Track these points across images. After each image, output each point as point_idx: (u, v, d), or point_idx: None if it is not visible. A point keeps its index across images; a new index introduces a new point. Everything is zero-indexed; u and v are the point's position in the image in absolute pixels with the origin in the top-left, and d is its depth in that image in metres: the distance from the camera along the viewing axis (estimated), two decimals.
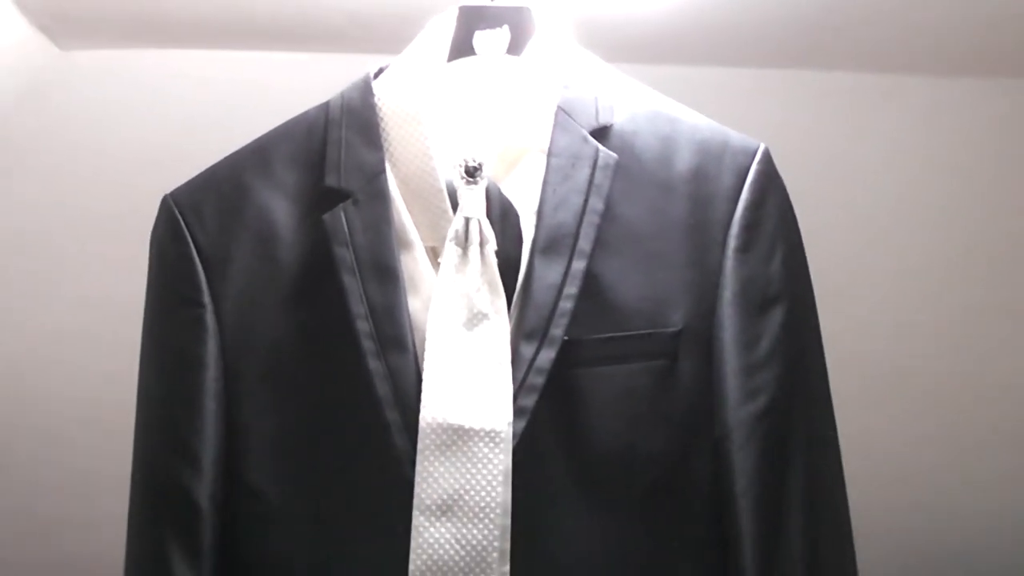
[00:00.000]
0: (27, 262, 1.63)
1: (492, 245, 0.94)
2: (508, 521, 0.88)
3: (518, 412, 0.90)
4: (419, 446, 0.88)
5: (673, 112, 1.02)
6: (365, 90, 1.00)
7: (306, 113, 1.01)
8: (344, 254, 0.93)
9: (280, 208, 0.97)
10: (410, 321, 0.92)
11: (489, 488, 0.88)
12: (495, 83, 1.03)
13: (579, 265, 0.92)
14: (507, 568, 0.88)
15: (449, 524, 0.88)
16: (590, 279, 0.93)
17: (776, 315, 0.96)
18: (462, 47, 1.03)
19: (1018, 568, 1.73)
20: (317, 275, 0.95)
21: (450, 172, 0.96)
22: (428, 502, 0.88)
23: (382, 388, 0.90)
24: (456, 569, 0.88)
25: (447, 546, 0.88)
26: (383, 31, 1.23)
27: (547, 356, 0.91)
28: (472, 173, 0.95)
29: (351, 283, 0.92)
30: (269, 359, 0.95)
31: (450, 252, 0.93)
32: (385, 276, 0.93)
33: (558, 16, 1.06)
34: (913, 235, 1.71)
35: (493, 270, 0.93)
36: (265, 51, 1.57)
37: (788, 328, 0.96)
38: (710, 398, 0.95)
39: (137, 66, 1.57)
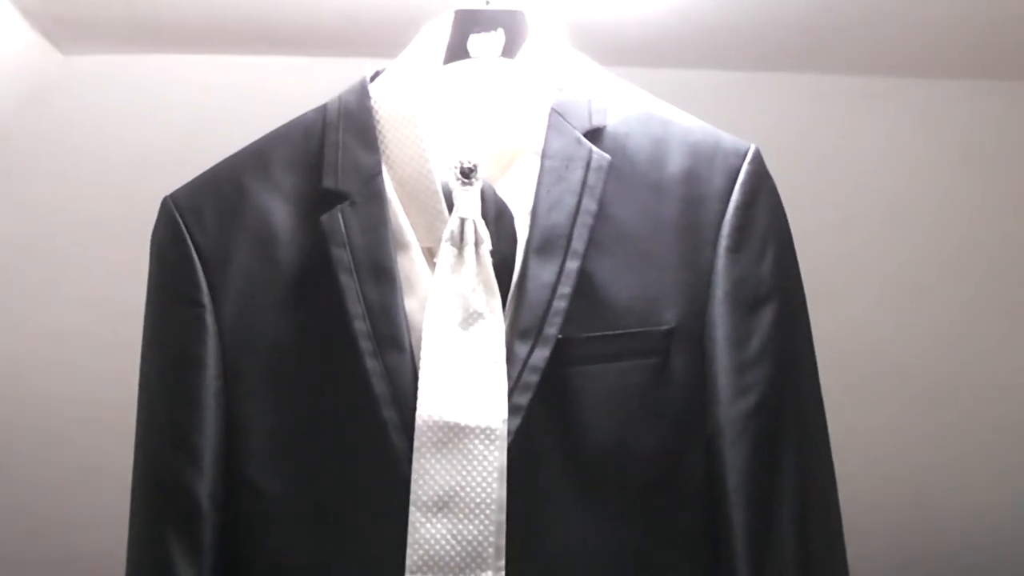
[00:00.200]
0: (30, 264, 1.64)
1: (487, 245, 0.95)
2: (503, 517, 0.89)
3: (513, 410, 0.91)
4: (415, 443, 0.89)
5: (665, 114, 1.03)
6: (362, 93, 1.01)
7: (304, 116, 1.02)
8: (342, 255, 0.94)
9: (278, 210, 0.98)
10: (407, 321, 0.93)
11: (485, 485, 0.89)
12: (490, 86, 1.04)
13: (573, 265, 0.93)
14: (502, 563, 0.89)
15: (445, 520, 0.89)
16: (584, 278, 0.94)
17: (767, 314, 0.97)
18: (457, 50, 1.04)
19: (1010, 566, 1.74)
20: (315, 276, 0.96)
21: (446, 174, 0.97)
22: (424, 499, 0.89)
23: (379, 387, 0.91)
24: (452, 564, 0.89)
25: (443, 542, 0.89)
26: (380, 35, 1.23)
27: (541, 354, 0.92)
28: (467, 174, 0.96)
29: (348, 283, 0.93)
30: (268, 359, 0.96)
31: (446, 252, 0.94)
32: (382, 276, 0.94)
33: (553, 19, 1.07)
34: (908, 236, 1.71)
35: (488, 270, 0.94)
36: (264, 55, 1.58)
37: (779, 327, 0.97)
38: (702, 396, 0.95)
39: (138, 71, 1.58)
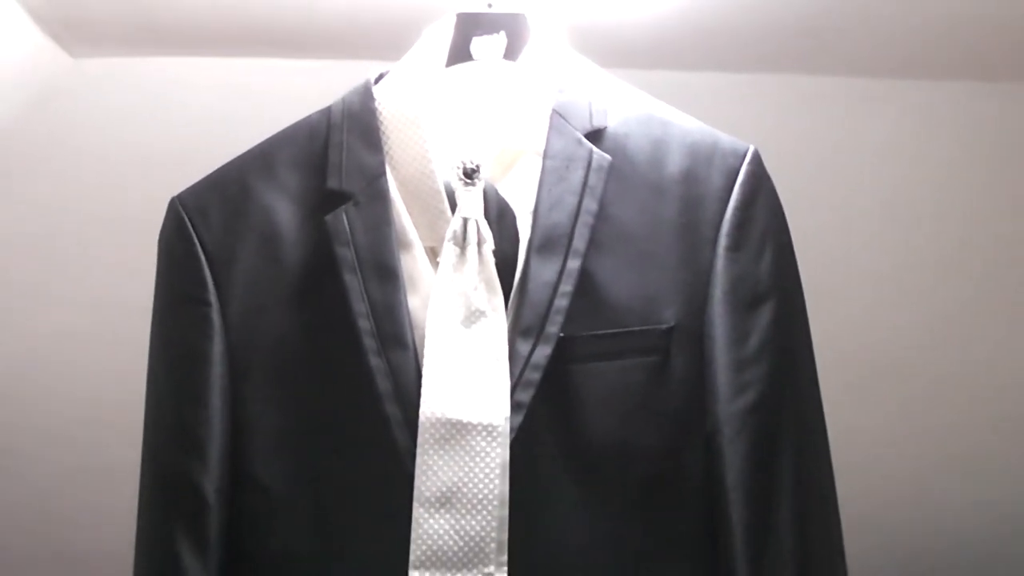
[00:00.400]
0: (39, 264, 1.65)
1: (489, 245, 0.95)
2: (506, 512, 0.90)
3: (515, 407, 0.92)
4: (419, 440, 0.90)
5: (665, 115, 1.04)
6: (366, 95, 1.02)
7: (309, 117, 1.03)
8: (346, 254, 0.95)
9: (283, 210, 0.99)
10: (410, 319, 0.94)
11: (487, 481, 0.90)
12: (492, 87, 1.05)
13: (574, 264, 0.94)
14: (504, 558, 0.90)
15: (448, 516, 0.90)
16: (585, 277, 0.95)
17: (765, 312, 0.98)
18: (460, 52, 1.06)
19: (1009, 563, 1.74)
20: (319, 275, 0.97)
21: (448, 174, 0.98)
22: (428, 494, 0.90)
23: (383, 384, 0.92)
24: (455, 559, 0.90)
25: (446, 537, 0.90)
26: (383, 38, 1.24)
27: (543, 352, 0.93)
28: (470, 175, 0.97)
29: (352, 282, 0.94)
30: (273, 357, 0.97)
31: (448, 252, 0.95)
32: (385, 275, 0.95)
33: (554, 22, 1.08)
34: (907, 237, 1.72)
35: (490, 269, 0.95)
36: (268, 58, 1.58)
37: (777, 325, 0.98)
38: (702, 393, 0.96)
39: (143, 73, 1.58)
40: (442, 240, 0.96)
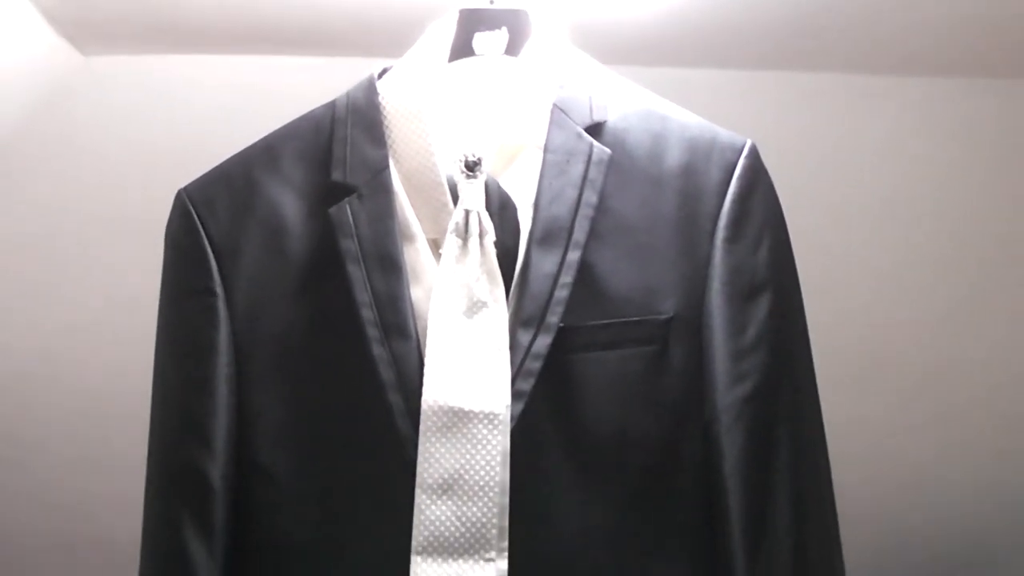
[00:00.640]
0: (47, 262, 1.67)
1: (491, 237, 0.96)
2: (506, 500, 0.91)
3: (516, 395, 0.93)
4: (421, 428, 0.92)
5: (664, 110, 1.05)
6: (370, 89, 1.03)
7: (313, 112, 1.04)
8: (350, 245, 0.96)
9: (288, 202, 1.00)
10: (412, 309, 0.95)
11: (488, 468, 0.91)
12: (494, 82, 1.06)
13: (574, 255, 0.96)
14: (505, 544, 0.91)
15: (450, 502, 0.91)
16: (584, 269, 0.96)
17: (763, 303, 0.99)
18: (462, 48, 1.07)
19: (1004, 554, 1.75)
20: (324, 266, 0.98)
21: (451, 167, 0.99)
22: (430, 481, 0.91)
23: (386, 373, 0.94)
24: (457, 545, 0.91)
25: (448, 523, 0.91)
26: (386, 35, 1.25)
27: (543, 342, 0.94)
28: (472, 168, 0.98)
29: (356, 273, 0.95)
30: (278, 347, 0.98)
31: (451, 243, 0.96)
32: (389, 266, 0.96)
33: (555, 19, 1.09)
34: (906, 233, 1.72)
35: (492, 260, 0.96)
36: (274, 56, 1.59)
37: (774, 315, 0.99)
38: (700, 383, 0.97)
39: (153, 71, 1.59)
40: (444, 232, 0.97)
